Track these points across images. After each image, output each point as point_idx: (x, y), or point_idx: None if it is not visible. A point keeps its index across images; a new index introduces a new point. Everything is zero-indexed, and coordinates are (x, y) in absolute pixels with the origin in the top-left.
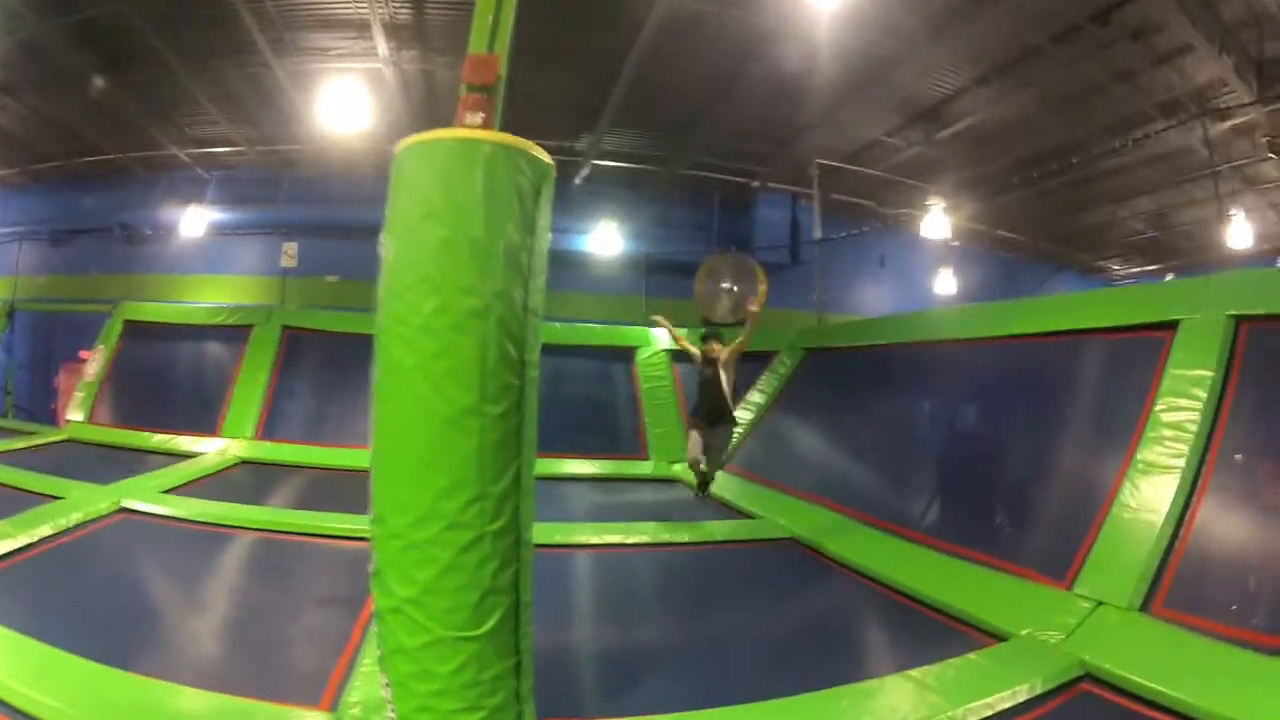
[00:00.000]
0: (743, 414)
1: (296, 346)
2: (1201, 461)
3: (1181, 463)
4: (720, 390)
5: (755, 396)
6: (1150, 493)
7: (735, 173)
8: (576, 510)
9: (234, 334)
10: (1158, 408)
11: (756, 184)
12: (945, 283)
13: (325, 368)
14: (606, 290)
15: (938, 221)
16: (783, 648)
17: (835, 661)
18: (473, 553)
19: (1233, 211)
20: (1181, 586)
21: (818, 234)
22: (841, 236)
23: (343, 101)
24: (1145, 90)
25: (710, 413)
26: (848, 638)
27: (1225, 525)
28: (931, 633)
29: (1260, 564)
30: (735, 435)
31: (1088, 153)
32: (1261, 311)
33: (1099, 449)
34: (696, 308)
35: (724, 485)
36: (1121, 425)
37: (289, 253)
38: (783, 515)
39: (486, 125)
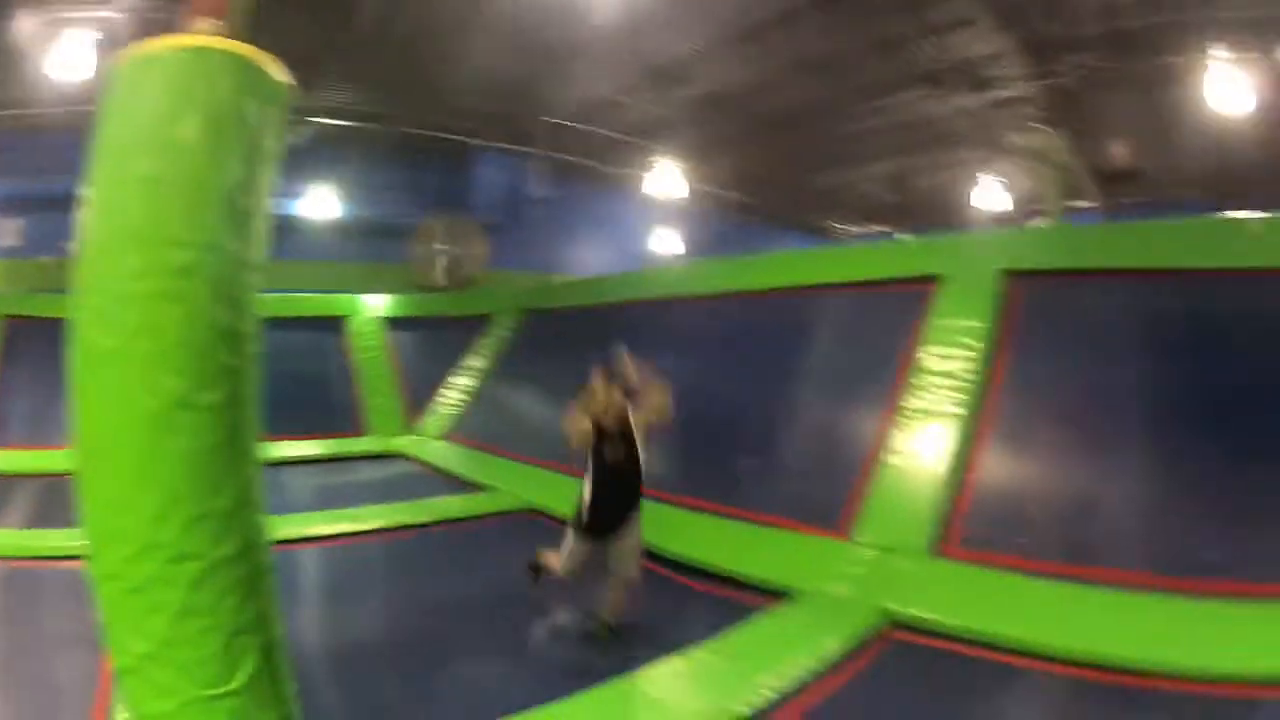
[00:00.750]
0: (467, 381)
1: (20, 337)
2: (978, 407)
3: (955, 409)
4: (637, 470)
5: (476, 361)
6: (922, 439)
7: (458, 131)
8: (299, 498)
9: None
10: (922, 357)
11: (477, 143)
12: (672, 242)
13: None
14: (318, 257)
15: (668, 181)
16: (556, 635)
17: (618, 645)
18: (206, 589)
19: (982, 176)
20: (972, 527)
21: (539, 193)
22: (564, 196)
23: (78, 56)
24: (907, 59)
25: (619, 506)
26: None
27: (1006, 466)
28: (711, 600)
29: (1041, 499)
30: None
31: (834, 116)
32: (1031, 266)
33: (863, 399)
34: (414, 272)
35: (449, 457)
36: (885, 375)
37: (11, 230)
38: (519, 484)
39: (220, 34)
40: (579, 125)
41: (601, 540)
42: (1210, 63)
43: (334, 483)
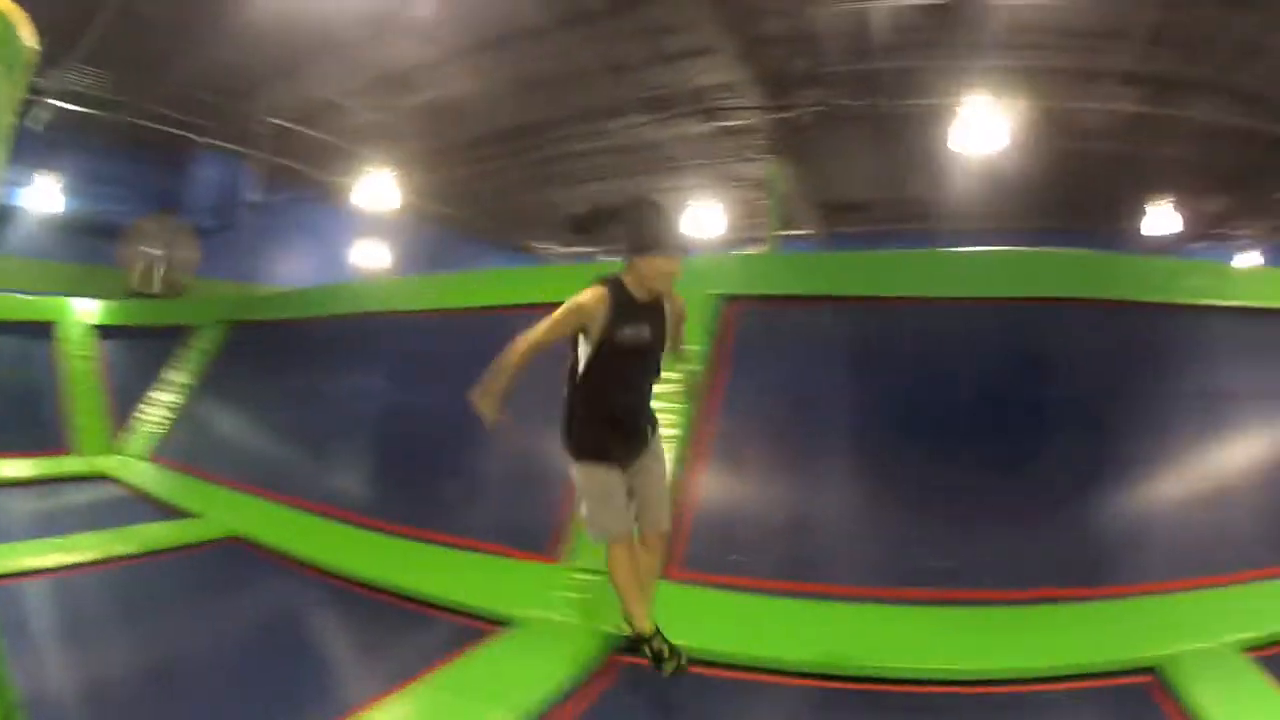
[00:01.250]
0: (171, 398)
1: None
2: (693, 428)
3: (669, 430)
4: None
5: (180, 376)
6: None
7: (183, 126)
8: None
9: None
10: None
11: (200, 140)
12: (381, 256)
13: None
14: (31, 254)
15: (382, 192)
16: (266, 678)
17: (334, 685)
18: None
19: (699, 203)
20: (693, 548)
21: (253, 198)
22: (278, 202)
23: None
24: (636, 83)
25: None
26: (339, 652)
27: (724, 485)
28: (426, 629)
29: (760, 518)
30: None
31: (555, 135)
32: (746, 291)
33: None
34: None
35: (154, 480)
36: None
37: None
38: (224, 511)
39: None
40: (299, 128)
41: (620, 462)
42: (952, 106)
43: (38, 509)
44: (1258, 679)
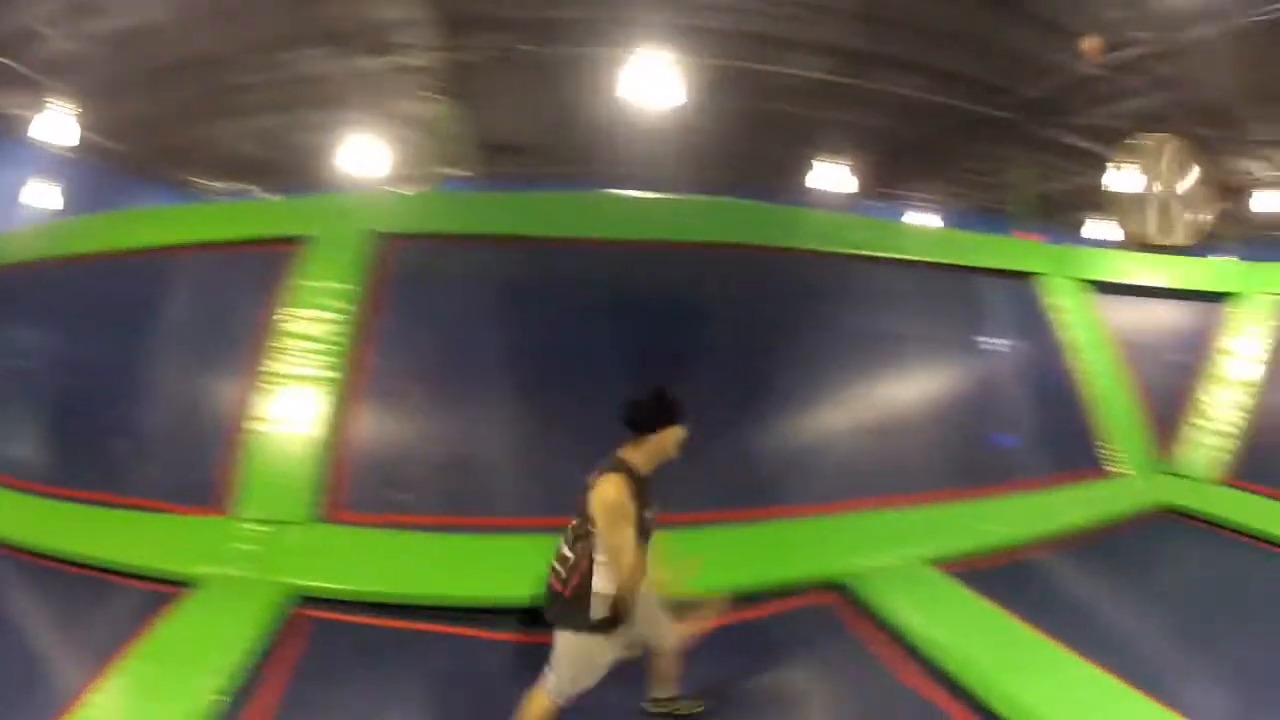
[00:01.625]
0: None
1: None
2: (349, 369)
3: (325, 372)
4: None
5: None
6: (292, 405)
7: None
8: None
9: None
10: (287, 320)
11: None
12: (51, 196)
13: None
14: None
15: (59, 126)
16: None
17: (38, 679)
18: None
19: (361, 139)
20: (357, 490)
21: None
22: None
23: None
24: (317, 14)
25: None
26: (33, 640)
27: (384, 426)
28: (112, 599)
29: (420, 456)
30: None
31: (229, 67)
32: (402, 229)
33: (228, 368)
34: None
35: None
36: (249, 341)
37: None
38: None
39: None
40: None
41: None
42: (628, 58)
43: None
44: (947, 585)
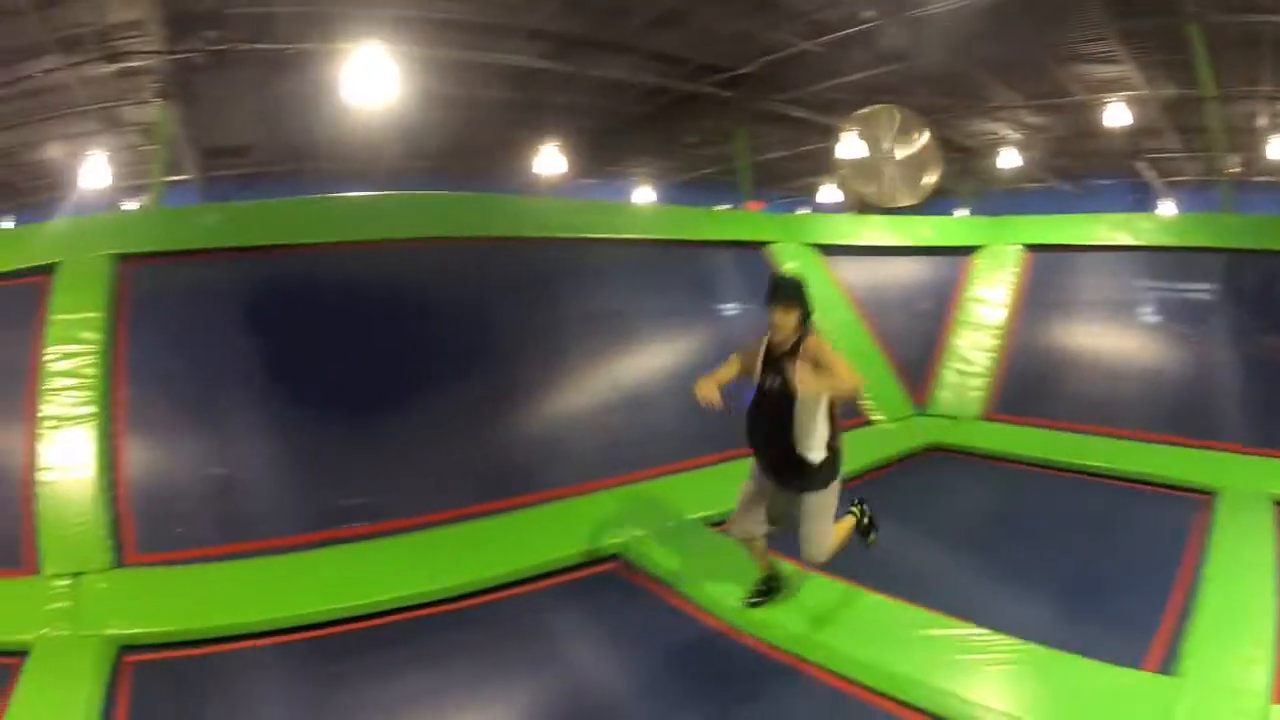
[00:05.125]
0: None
1: None
2: (109, 403)
3: (87, 409)
4: (784, 421)
5: None
6: (67, 448)
7: None
8: None
9: None
10: (48, 358)
11: None
12: None
13: None
14: None
15: None
16: None
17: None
18: None
19: (91, 152)
20: (142, 529)
21: None
22: None
23: None
24: (55, 21)
25: (762, 441)
26: None
27: (151, 458)
28: None
29: (190, 484)
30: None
31: None
32: (141, 250)
33: (4, 415)
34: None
35: None
36: (17, 384)
37: None
38: None
39: None
40: None
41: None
42: (343, 51)
43: None
44: (721, 540)
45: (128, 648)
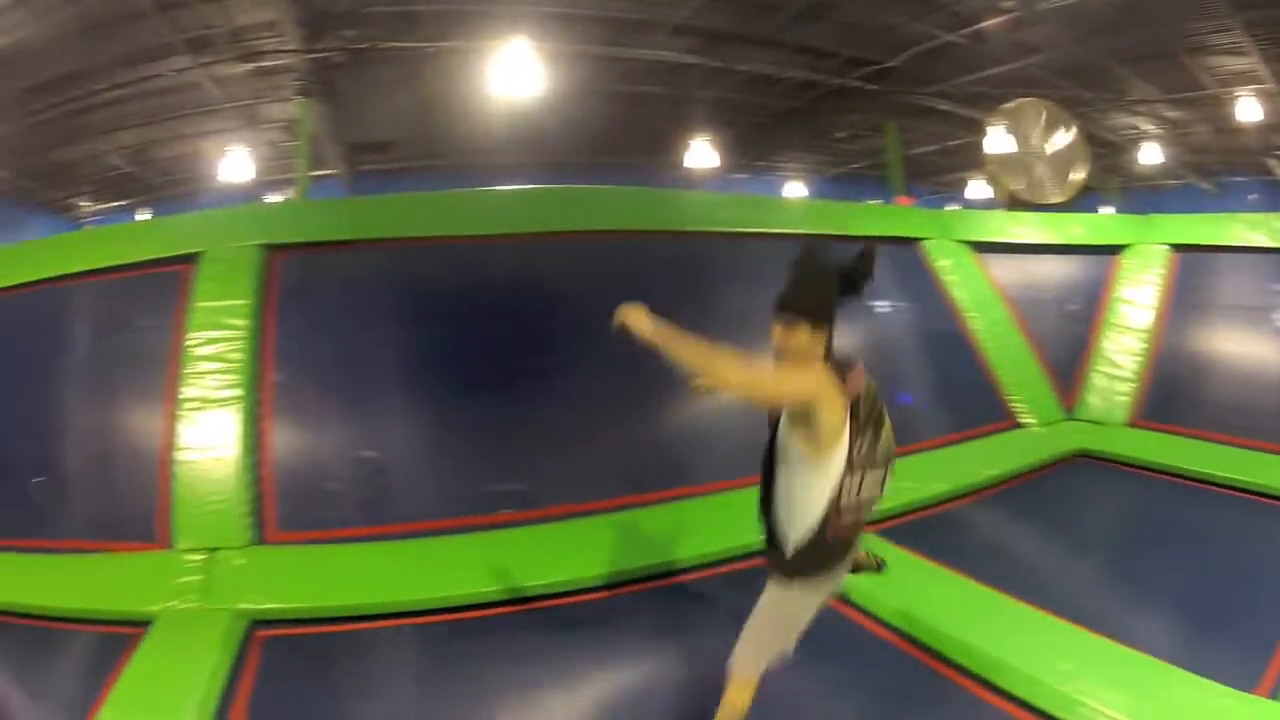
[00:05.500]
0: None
1: None
2: (256, 387)
3: (233, 392)
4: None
5: None
6: (210, 429)
7: None
8: None
9: None
10: (192, 343)
11: None
12: None
13: None
14: None
15: None
16: None
17: None
18: None
19: (230, 148)
20: (285, 509)
21: None
22: None
23: None
24: (181, 23)
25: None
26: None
27: (299, 441)
28: (73, 649)
29: (336, 468)
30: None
31: (92, 83)
32: (290, 240)
33: (142, 398)
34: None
35: None
36: (159, 368)
37: None
38: None
39: None
40: None
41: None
42: (489, 47)
43: None
44: (874, 542)
45: (260, 622)
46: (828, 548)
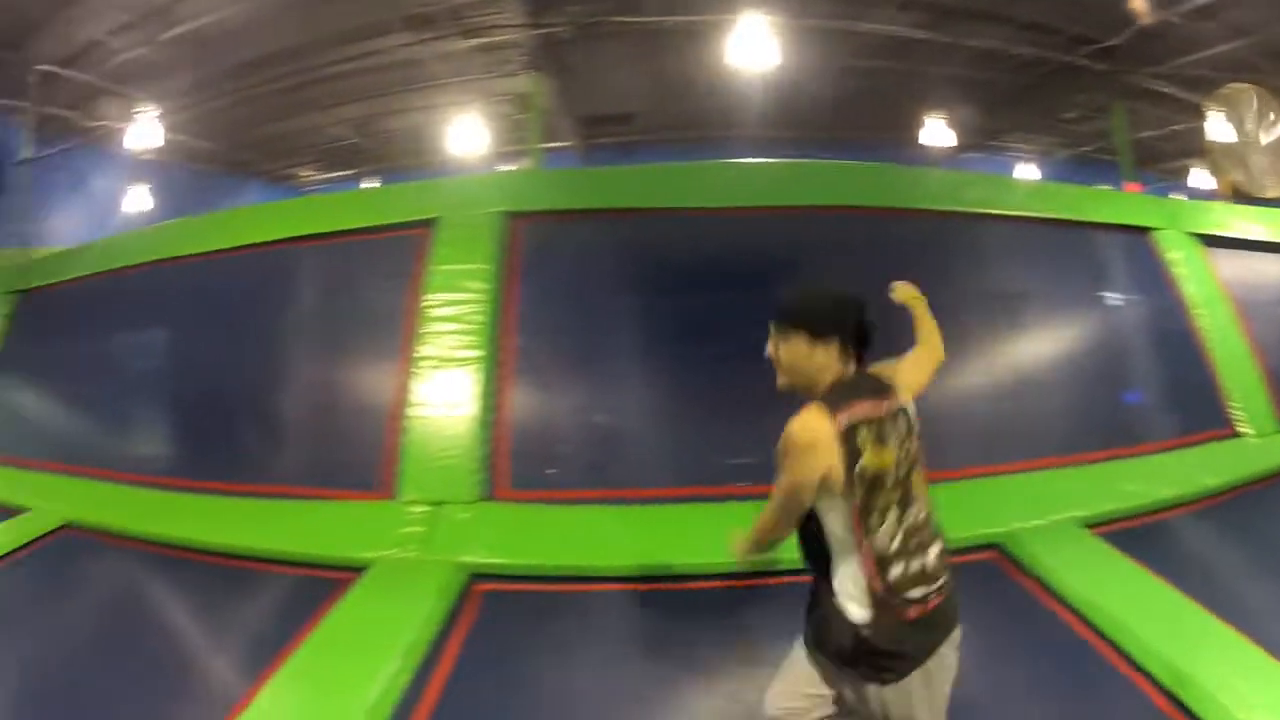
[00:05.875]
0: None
1: None
2: (495, 349)
3: (472, 353)
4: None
5: None
6: (445, 387)
7: None
8: None
9: None
10: (429, 304)
11: None
12: (148, 200)
13: None
14: None
15: (151, 133)
16: (145, 675)
17: (214, 670)
18: None
19: (458, 120)
20: (518, 467)
21: (23, 155)
22: (51, 155)
23: None
24: (396, 2)
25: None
26: (206, 634)
27: (535, 403)
28: (283, 589)
29: (570, 431)
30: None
31: (311, 58)
32: (531, 208)
33: (375, 354)
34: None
35: None
36: (393, 327)
37: None
38: (50, 499)
39: None
40: (66, 73)
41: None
42: (720, 22)
43: None
44: (1099, 546)
45: (480, 576)
46: (885, 631)
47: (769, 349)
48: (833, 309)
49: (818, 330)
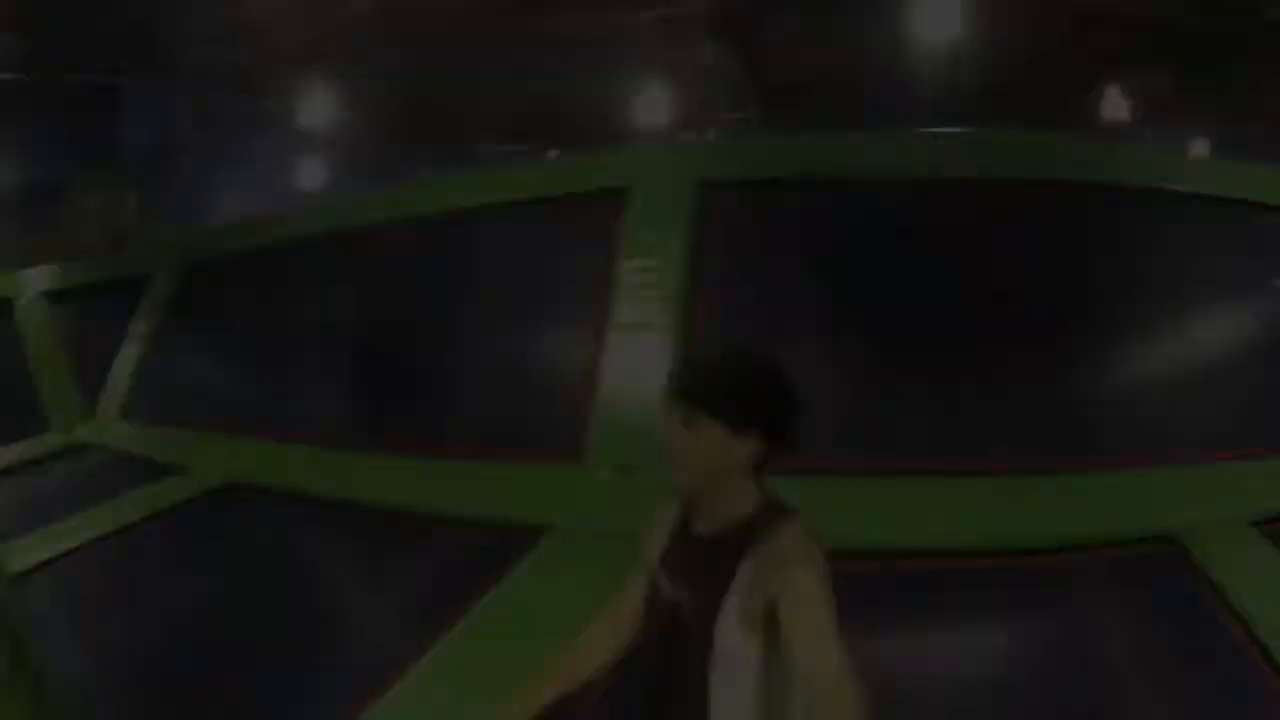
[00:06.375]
0: (138, 351)
1: None
2: (689, 316)
3: (665, 319)
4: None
5: (142, 328)
6: (638, 352)
7: (106, 72)
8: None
9: None
10: (625, 270)
11: (126, 84)
12: (322, 174)
13: None
14: None
15: (322, 108)
16: (315, 635)
17: (386, 631)
18: None
19: (643, 92)
20: None
21: (190, 135)
22: (219, 133)
23: None
24: None
25: None
26: (379, 592)
27: None
28: (456, 551)
29: None
30: None
31: (490, 33)
32: (725, 177)
33: (572, 320)
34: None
35: (137, 440)
36: (589, 293)
37: None
38: (214, 458)
39: None
40: (229, 54)
41: None
42: None
43: (27, 494)
44: (1271, 551)
45: None
46: None
47: (676, 428)
48: (766, 405)
49: (743, 426)
